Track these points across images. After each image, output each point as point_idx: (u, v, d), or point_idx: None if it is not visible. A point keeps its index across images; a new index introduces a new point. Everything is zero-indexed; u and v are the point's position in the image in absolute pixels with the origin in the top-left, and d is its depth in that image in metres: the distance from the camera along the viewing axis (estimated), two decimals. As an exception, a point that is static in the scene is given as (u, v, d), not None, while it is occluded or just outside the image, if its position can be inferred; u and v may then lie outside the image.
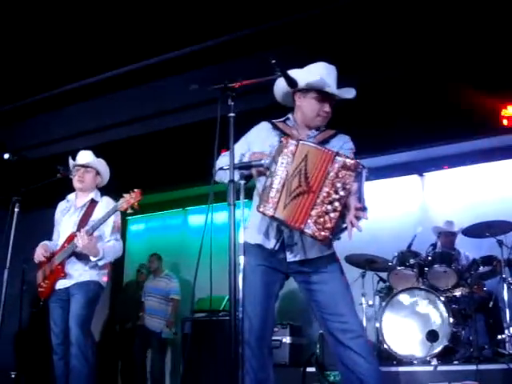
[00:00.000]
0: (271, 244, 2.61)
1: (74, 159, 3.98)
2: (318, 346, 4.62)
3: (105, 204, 3.83)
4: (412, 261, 4.98)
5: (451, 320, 4.41)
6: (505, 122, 5.00)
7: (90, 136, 6.27)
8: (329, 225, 2.31)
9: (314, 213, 2.33)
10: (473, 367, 3.93)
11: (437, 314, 4.50)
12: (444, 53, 4.83)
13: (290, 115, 2.79)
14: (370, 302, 5.06)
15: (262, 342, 2.55)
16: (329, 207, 2.31)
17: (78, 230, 3.66)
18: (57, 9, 4.65)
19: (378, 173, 6.25)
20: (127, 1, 4.60)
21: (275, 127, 2.74)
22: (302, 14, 4.55)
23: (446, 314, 4.44)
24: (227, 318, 2.21)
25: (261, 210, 2.41)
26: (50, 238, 3.98)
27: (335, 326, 2.52)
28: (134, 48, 5.07)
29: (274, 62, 2.29)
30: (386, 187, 6.49)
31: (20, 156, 4.15)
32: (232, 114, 2.33)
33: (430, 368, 4.13)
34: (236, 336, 2.12)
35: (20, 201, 3.82)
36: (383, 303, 4.77)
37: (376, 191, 6.32)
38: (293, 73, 2.58)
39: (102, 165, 4.02)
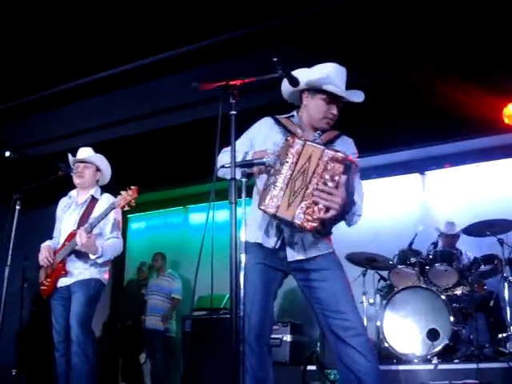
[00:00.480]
0: (271, 243, 2.60)
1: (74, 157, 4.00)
2: (318, 344, 4.61)
3: (105, 201, 3.83)
4: (413, 259, 4.99)
5: (452, 319, 4.41)
6: (506, 120, 5.00)
7: (91, 134, 6.28)
8: (317, 215, 2.31)
9: (303, 204, 2.33)
10: (473, 366, 3.93)
11: (437, 313, 4.50)
12: (445, 51, 4.83)
13: (295, 113, 2.77)
14: (371, 301, 5.07)
15: (261, 340, 2.54)
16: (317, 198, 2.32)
17: (79, 227, 3.66)
18: (57, 9, 4.65)
19: (379, 171, 6.26)
20: (125, 0, 4.60)
21: (278, 123, 2.72)
22: (301, 13, 4.54)
23: (446, 313, 4.44)
24: (228, 316, 2.21)
25: (262, 207, 2.40)
26: (50, 236, 3.98)
27: (336, 323, 2.51)
28: (133, 47, 5.06)
29: (275, 60, 2.27)
30: (386, 186, 6.50)
31: (21, 154, 4.14)
32: (233, 112, 2.32)
33: (431, 366, 4.13)
34: (237, 334, 2.12)
35: (21, 198, 3.82)
36: (384, 302, 4.77)
37: (377, 190, 6.33)
38: (301, 72, 2.57)
39: (101, 160, 4.01)
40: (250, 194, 2.69)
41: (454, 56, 4.86)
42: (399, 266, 4.99)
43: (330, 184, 2.31)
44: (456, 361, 4.31)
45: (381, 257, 5.13)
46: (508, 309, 4.50)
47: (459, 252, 5.15)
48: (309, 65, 2.71)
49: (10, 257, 3.71)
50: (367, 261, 5.14)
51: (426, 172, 6.43)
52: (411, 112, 5.24)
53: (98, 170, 4.00)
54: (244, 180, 2.35)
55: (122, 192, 3.56)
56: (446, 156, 6.13)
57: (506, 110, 5.02)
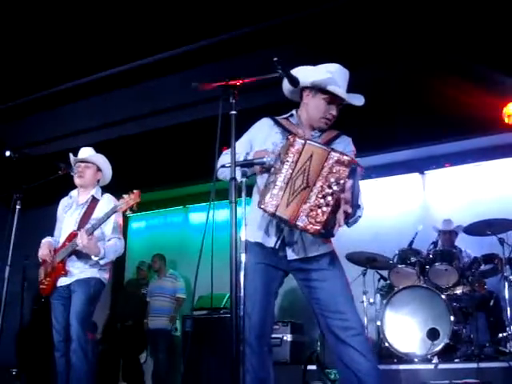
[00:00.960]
0: (271, 242, 2.60)
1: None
2: (318, 343, 4.62)
3: (106, 202, 3.82)
4: (413, 259, 4.98)
5: (452, 318, 4.40)
6: (506, 120, 5.00)
7: (91, 133, 6.28)
8: (320, 218, 2.30)
9: (306, 206, 2.32)
10: (474, 365, 3.94)
11: (438, 312, 4.50)
12: (445, 51, 4.83)
13: (293, 112, 2.76)
14: (371, 300, 5.07)
15: (262, 340, 2.54)
16: (321, 201, 2.30)
17: (79, 228, 3.65)
18: (56, 9, 4.65)
19: (379, 171, 6.26)
20: (124, 0, 4.60)
21: (277, 124, 2.71)
22: (301, 13, 4.54)
23: (447, 312, 4.44)
24: (228, 315, 2.20)
25: (262, 206, 2.40)
26: (51, 236, 3.97)
27: (336, 323, 2.51)
28: (133, 48, 5.06)
29: (275, 60, 2.27)
30: (387, 185, 6.50)
31: (21, 153, 4.14)
32: (233, 112, 2.32)
33: (431, 366, 4.13)
34: (237, 334, 2.12)
35: (21, 198, 3.82)
36: (384, 301, 4.77)
37: (377, 189, 6.34)
38: (302, 69, 2.56)
39: (102, 160, 3.99)
40: (249, 194, 2.69)
41: (455, 56, 4.86)
42: (399, 266, 4.98)
43: (334, 187, 2.30)
44: (456, 360, 4.31)
45: (381, 256, 5.13)
46: (508, 308, 4.49)
47: (459, 250, 5.15)
48: (308, 65, 2.71)
49: (10, 256, 3.72)
50: (367, 260, 5.14)
51: (425, 171, 6.43)
52: (411, 112, 5.24)
53: (98, 170, 3.98)
54: (244, 180, 2.35)
55: (124, 196, 3.52)
56: (446, 155, 6.13)
57: (505, 110, 5.02)
